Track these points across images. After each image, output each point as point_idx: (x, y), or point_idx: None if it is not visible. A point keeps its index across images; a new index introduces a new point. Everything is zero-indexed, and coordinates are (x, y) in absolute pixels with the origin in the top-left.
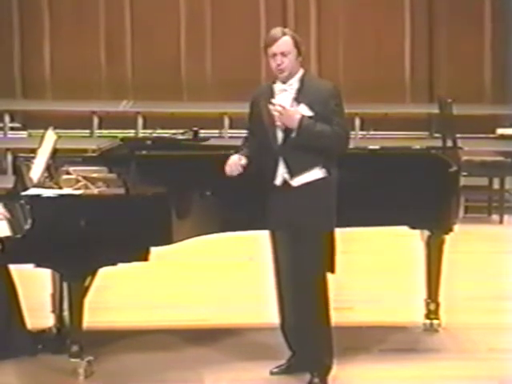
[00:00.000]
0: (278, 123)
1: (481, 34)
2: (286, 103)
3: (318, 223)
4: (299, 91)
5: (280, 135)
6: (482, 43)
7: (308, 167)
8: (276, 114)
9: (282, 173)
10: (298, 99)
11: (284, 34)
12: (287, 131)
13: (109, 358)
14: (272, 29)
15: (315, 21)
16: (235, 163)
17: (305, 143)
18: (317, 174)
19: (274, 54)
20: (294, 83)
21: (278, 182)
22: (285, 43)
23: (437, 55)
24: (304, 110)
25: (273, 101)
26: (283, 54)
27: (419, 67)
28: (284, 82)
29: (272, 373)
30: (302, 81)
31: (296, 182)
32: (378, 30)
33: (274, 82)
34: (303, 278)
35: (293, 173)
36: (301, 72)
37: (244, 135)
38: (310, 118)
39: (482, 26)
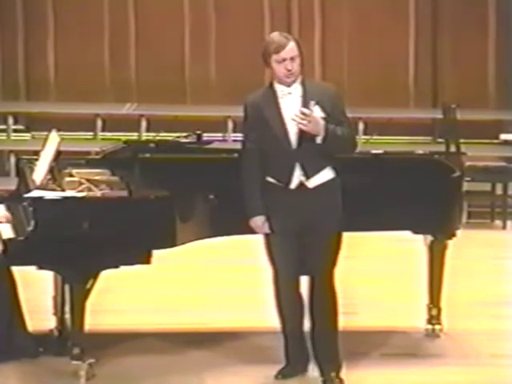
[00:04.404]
0: (304, 128)
1: (485, 39)
2: (297, 106)
3: (334, 224)
4: (305, 94)
5: (293, 139)
6: (485, 49)
7: (322, 168)
8: (301, 121)
9: (297, 176)
10: (306, 101)
11: (288, 39)
12: (304, 135)
13: (110, 360)
14: (272, 35)
15: (319, 25)
16: (260, 229)
17: (328, 147)
18: (328, 174)
19: (284, 60)
20: (298, 86)
21: (293, 185)
22: (293, 48)
23: (441, 60)
24: (318, 112)
25: (301, 109)
26: (292, 59)
27: (423, 72)
28: (288, 86)
29: (277, 378)
30: (303, 84)
31: (311, 183)
32: (382, 35)
33: (271, 86)
34: (322, 278)
35: (309, 175)
36: (300, 76)
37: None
38: (324, 119)
39: (486, 31)
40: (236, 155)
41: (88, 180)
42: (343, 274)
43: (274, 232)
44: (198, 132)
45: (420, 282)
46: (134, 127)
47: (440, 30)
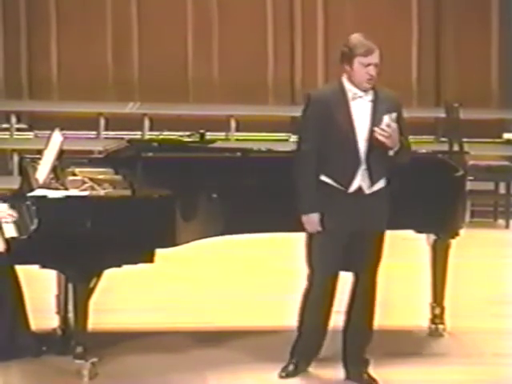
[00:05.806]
0: (384, 140)
1: (488, 38)
2: (366, 111)
3: (383, 227)
4: (375, 99)
5: (362, 144)
6: (488, 47)
7: (383, 175)
8: (383, 133)
9: (359, 180)
10: (376, 108)
11: (374, 45)
12: (376, 144)
13: (113, 359)
14: (358, 37)
15: (322, 25)
16: (314, 226)
17: (394, 158)
18: (383, 182)
19: (369, 64)
20: (370, 91)
21: (352, 189)
22: (378, 55)
23: (444, 59)
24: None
25: (385, 122)
26: (376, 66)
27: (426, 71)
28: (363, 90)
29: (280, 376)
30: (374, 89)
31: (370, 189)
32: (384, 34)
33: (340, 85)
34: (368, 276)
35: (373, 181)
36: None
37: (301, 142)
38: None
39: (489, 30)
40: (239, 154)
41: (91, 179)
42: (345, 274)
43: (324, 231)
44: (202, 131)
45: (423, 281)
46: (136, 126)
47: (443, 29)
